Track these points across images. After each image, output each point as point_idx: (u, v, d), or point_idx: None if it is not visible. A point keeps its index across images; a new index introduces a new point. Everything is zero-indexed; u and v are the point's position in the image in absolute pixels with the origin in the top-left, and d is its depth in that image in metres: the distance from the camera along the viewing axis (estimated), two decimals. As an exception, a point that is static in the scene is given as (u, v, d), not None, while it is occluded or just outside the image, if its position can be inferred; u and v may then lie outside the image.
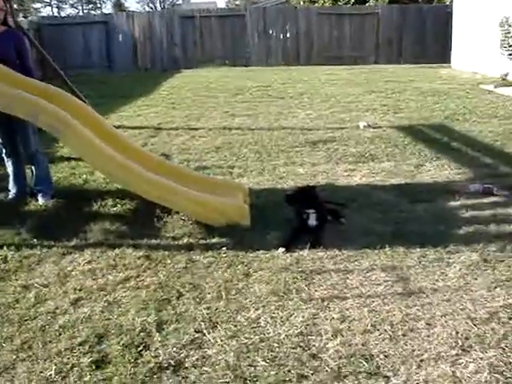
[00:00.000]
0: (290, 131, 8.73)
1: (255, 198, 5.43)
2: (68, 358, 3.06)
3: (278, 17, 20.75)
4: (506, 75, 13.60)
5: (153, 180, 4.86)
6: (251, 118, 10.07)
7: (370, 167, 6.67)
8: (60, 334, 3.28)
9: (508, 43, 14.02)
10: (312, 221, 4.63)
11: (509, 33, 13.96)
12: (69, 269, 4.15)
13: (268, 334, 3.25)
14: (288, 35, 20.96)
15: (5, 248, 4.46)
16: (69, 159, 7.01)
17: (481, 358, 2.97)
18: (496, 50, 14.50)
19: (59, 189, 5.89)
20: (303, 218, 4.64)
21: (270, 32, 20.89)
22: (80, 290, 3.82)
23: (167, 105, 11.77)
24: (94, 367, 2.97)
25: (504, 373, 2.87)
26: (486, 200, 5.40)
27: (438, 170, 6.52)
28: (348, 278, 3.90)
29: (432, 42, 20.57)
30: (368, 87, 13.59)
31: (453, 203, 5.37)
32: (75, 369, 2.97)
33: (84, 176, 6.38)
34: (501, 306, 3.47)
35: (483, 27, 15.78)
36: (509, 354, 3.01)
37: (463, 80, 14.64)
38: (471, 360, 2.96)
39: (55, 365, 3.00)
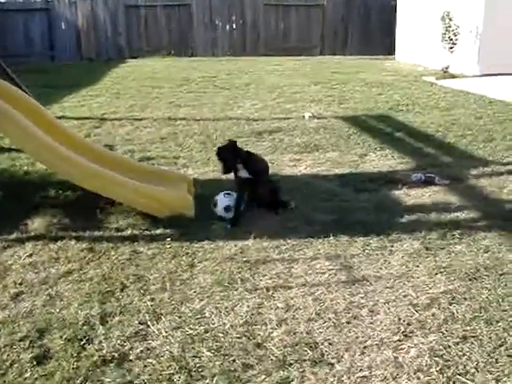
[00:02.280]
0: (235, 121, 8.73)
1: (200, 188, 5.43)
2: (8, 355, 2.98)
3: (224, 7, 20.65)
4: (447, 68, 13.91)
5: (95, 171, 4.78)
6: (196, 108, 10.02)
7: (315, 157, 6.74)
8: (-1, 330, 3.23)
9: (449, 37, 14.35)
10: (243, 173, 4.71)
11: (450, 27, 14.27)
12: (9, 262, 4.07)
13: (213, 324, 3.26)
14: (234, 26, 20.90)
15: None
16: (9, 150, 6.84)
17: (422, 343, 3.05)
18: (438, 44, 14.80)
19: (-1, 181, 5.79)
20: (234, 170, 4.72)
21: (217, 22, 20.78)
22: (21, 283, 3.75)
23: (112, 95, 11.58)
24: (34, 363, 2.91)
25: (444, 356, 2.95)
26: (427, 189, 5.52)
27: (382, 160, 6.63)
28: (292, 267, 3.95)
29: (377, 34, 20.85)
30: (314, 78, 13.66)
31: (396, 192, 5.47)
32: (15, 365, 2.90)
33: (25, 168, 6.24)
34: (441, 292, 3.56)
35: (426, 21, 16.09)
36: (448, 338, 3.10)
37: (407, 72, 14.90)
38: (413, 345, 3.03)
39: (-6, 362, 2.93)
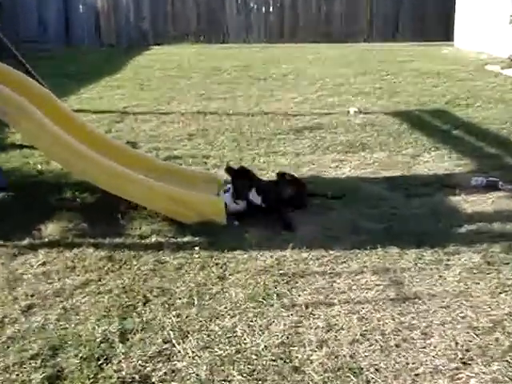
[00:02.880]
0: (272, 116, 8.75)
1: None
2: (17, 374, 2.98)
3: (259, -12, 20.66)
4: (515, 56, 13.64)
5: (115, 170, 4.85)
6: (229, 101, 10.05)
7: (360, 158, 6.72)
8: (8, 347, 3.21)
9: (518, 19, 14.04)
10: (254, 197, 4.97)
11: (520, 8, 13.97)
12: (20, 271, 4.11)
13: (245, 344, 3.24)
14: (271, 9, 20.88)
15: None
16: (21, 147, 6.93)
17: (483, 373, 2.96)
18: (505, 28, 14.46)
19: (10, 181, 5.86)
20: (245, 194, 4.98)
21: (251, 5, 20.81)
22: (32, 295, 3.77)
23: (134, 86, 11.68)
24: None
25: (508, 388, 2.93)
26: (489, 195, 5.44)
27: (437, 161, 6.57)
28: (335, 281, 3.93)
29: (433, 17, 20.56)
30: (360, 68, 13.56)
31: (453, 198, 5.41)
32: (25, 386, 2.96)
33: (39, 166, 6.33)
34: (506, 314, 3.48)
35: (491, 2, 15.81)
36: (514, 367, 3.08)
37: (467, 60, 14.68)
38: (472, 374, 2.95)
39: (1, 382, 2.93)
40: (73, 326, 3.43)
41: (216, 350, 3.19)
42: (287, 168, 6.24)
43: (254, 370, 3.02)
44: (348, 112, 8.98)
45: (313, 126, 8.16)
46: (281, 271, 4.05)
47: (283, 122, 8.38)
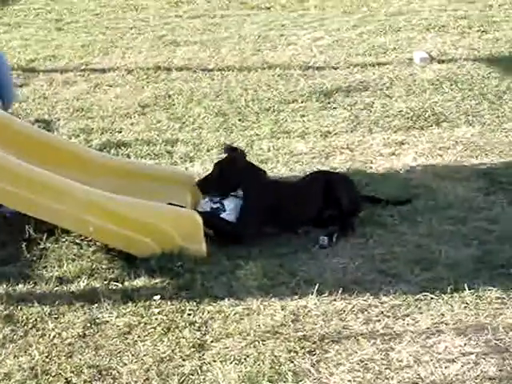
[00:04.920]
0: (281, 72, 8.71)
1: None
2: None
3: None
4: None
5: (26, 175, 4.87)
6: (208, 47, 10.04)
7: (433, 138, 6.73)
8: None
9: None
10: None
11: None
12: None
13: None
14: None
15: None
16: None
17: None
18: None
19: None
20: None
21: None
22: None
23: (47, 24, 11.58)
24: None
25: None
26: None
27: None
28: (392, 348, 3.88)
29: None
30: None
31: None
32: None
33: None
34: None
35: None
36: None
37: None
38: None
39: None
40: None
41: None
42: (307, 157, 6.21)
43: None
44: (411, 60, 8.95)
45: (351, 86, 8.14)
46: (299, 333, 4.00)
47: (301, 81, 8.36)
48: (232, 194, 5.12)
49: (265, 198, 5.13)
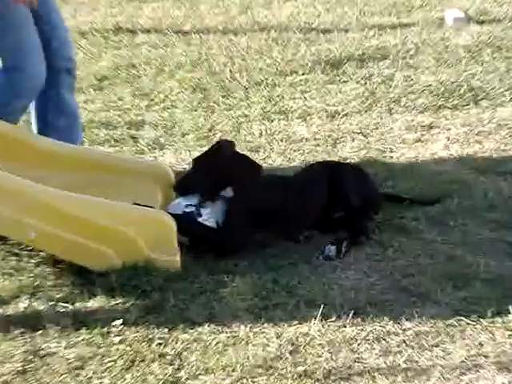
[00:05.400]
0: (276, 35, 8.65)
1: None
2: None
3: None
4: None
5: None
6: (183, 3, 10.12)
7: (469, 120, 6.62)
8: None
9: None
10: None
11: None
12: None
13: None
14: None
15: None
16: None
17: None
18: None
19: None
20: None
21: None
22: None
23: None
24: None
25: None
26: None
27: None
28: None
29: None
30: None
31: None
32: None
33: None
34: None
35: None
36: None
37: None
38: None
39: None
40: None
41: None
42: (310, 144, 6.09)
43: None
44: (442, 20, 8.86)
45: (365, 53, 8.05)
46: (299, 368, 3.80)
47: (302, 46, 8.26)
48: (221, 194, 5.00)
49: (256, 198, 5.02)
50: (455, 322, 4.10)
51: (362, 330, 4.08)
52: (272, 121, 6.63)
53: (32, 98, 5.95)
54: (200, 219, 4.91)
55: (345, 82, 7.38)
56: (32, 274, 4.62)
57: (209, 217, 4.94)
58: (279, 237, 4.99)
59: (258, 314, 4.22)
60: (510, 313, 4.13)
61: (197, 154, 5.83)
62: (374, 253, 4.80)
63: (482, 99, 6.89)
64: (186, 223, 4.85)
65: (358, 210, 5.11)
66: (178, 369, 3.84)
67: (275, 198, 5.05)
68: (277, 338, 4.03)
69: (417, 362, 3.85)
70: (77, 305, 4.36)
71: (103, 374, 3.81)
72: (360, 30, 8.64)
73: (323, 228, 5.11)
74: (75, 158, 5.61)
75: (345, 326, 4.10)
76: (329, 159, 5.73)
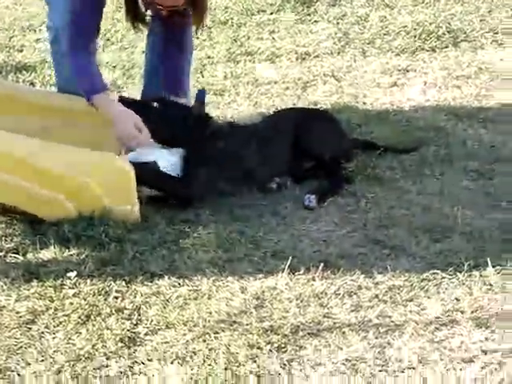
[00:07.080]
0: None
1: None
2: None
3: None
4: None
5: None
6: None
7: (448, 63, 6.65)
8: None
9: None
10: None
11: None
12: None
13: None
14: None
15: None
16: None
17: None
18: None
19: None
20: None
21: None
22: None
23: None
24: None
25: None
26: None
27: None
28: (390, 344, 3.65)
29: None
30: None
31: None
32: None
33: None
34: None
35: None
36: None
37: None
38: None
39: None
40: None
41: None
42: (277, 88, 6.09)
43: None
44: None
45: None
46: (265, 324, 3.76)
47: None
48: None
49: (216, 145, 4.93)
50: (430, 276, 4.06)
51: (332, 283, 4.02)
52: (237, 62, 6.60)
53: None
54: (162, 168, 4.77)
55: (316, 21, 7.34)
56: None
57: (171, 166, 4.80)
58: (247, 186, 4.86)
59: (221, 267, 4.16)
60: (488, 266, 4.06)
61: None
62: (346, 204, 4.74)
63: (462, 41, 6.89)
64: (146, 172, 4.72)
65: (327, 159, 5.00)
66: (137, 324, 3.78)
67: (238, 146, 4.96)
68: (241, 292, 3.98)
69: (389, 317, 3.80)
70: (28, 256, 4.27)
71: (56, 329, 3.74)
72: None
73: (295, 177, 5.03)
74: (32, 101, 5.41)
75: (314, 280, 4.03)
76: (298, 105, 5.62)
